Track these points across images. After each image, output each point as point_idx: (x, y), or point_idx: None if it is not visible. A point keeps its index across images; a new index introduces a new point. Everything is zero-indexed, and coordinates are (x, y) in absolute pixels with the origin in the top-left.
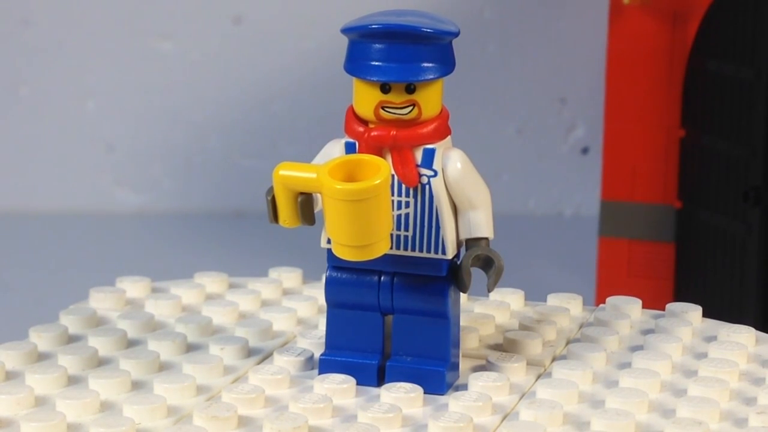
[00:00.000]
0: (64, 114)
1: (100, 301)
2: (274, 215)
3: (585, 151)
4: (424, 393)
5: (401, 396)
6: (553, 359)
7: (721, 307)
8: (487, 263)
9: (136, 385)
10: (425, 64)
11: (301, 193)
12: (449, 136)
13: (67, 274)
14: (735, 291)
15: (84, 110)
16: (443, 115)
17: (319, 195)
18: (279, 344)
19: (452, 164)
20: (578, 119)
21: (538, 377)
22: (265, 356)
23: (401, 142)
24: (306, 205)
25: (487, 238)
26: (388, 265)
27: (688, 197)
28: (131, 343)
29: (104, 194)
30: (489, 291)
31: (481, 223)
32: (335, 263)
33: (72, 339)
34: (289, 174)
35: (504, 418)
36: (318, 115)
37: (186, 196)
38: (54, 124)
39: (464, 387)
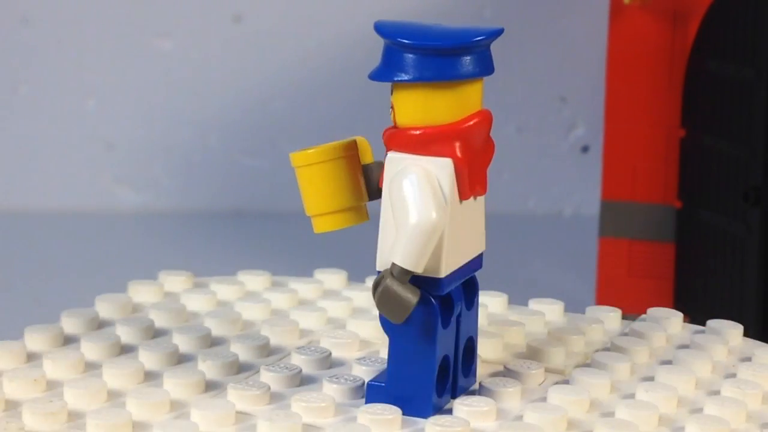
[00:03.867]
0: (63, 113)
1: (137, 293)
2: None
3: (585, 149)
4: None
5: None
6: (575, 367)
7: (721, 308)
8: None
9: (148, 377)
10: (399, 68)
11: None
12: (419, 154)
13: (66, 274)
14: (735, 291)
15: (84, 109)
16: (424, 129)
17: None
18: (301, 344)
19: (388, 177)
20: (578, 118)
21: (554, 384)
22: (284, 356)
23: (385, 141)
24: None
25: (398, 266)
26: None
27: (688, 197)
28: (156, 334)
29: (104, 193)
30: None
31: (395, 247)
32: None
33: (102, 326)
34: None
35: (507, 420)
36: (318, 114)
37: (186, 195)
38: (54, 123)
39: (478, 392)
